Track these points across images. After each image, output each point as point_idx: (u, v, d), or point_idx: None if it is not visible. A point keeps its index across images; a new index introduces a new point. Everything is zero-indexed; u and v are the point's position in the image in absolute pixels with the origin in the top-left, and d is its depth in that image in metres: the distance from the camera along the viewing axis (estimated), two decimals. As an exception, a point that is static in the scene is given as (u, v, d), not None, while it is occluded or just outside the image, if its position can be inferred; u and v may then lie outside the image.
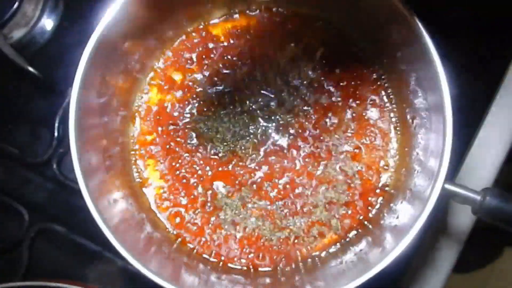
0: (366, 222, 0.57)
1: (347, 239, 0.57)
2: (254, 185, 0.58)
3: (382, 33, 0.55)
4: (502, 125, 0.64)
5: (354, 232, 0.57)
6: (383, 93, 0.59)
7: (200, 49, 0.62)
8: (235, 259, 0.57)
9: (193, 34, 0.62)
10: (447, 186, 0.45)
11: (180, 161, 0.60)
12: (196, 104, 0.61)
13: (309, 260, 0.57)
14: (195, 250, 0.58)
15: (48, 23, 0.72)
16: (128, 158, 0.60)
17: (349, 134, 0.59)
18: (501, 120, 0.63)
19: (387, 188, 0.58)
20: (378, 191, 0.58)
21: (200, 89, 0.61)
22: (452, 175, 0.53)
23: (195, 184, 0.59)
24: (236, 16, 0.62)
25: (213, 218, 0.58)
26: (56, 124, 0.69)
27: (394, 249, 0.45)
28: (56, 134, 0.69)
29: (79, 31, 0.72)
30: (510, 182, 0.68)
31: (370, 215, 0.57)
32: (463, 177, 0.63)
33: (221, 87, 0.61)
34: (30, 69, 0.67)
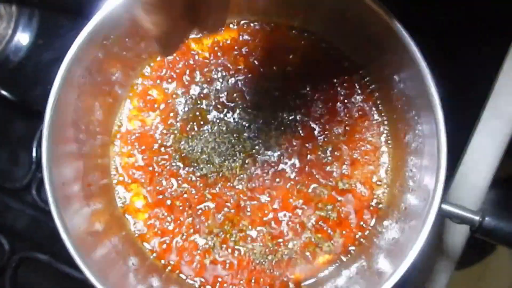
0: (360, 241, 0.55)
1: (342, 260, 0.55)
2: (243, 207, 0.56)
3: (368, 42, 0.53)
4: (493, 134, 0.62)
5: (348, 252, 0.55)
6: (372, 105, 0.57)
7: (181, 65, 0.59)
8: (225, 285, 0.55)
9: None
10: (444, 206, 0.43)
11: (164, 184, 0.57)
12: (179, 124, 0.58)
13: (304, 284, 0.54)
14: (185, 278, 0.55)
15: (22, 40, 0.69)
16: (109, 183, 0.57)
17: (339, 149, 0.56)
18: (492, 129, 0.61)
19: (380, 205, 0.55)
20: (372, 208, 0.55)
21: (182, 107, 0.58)
22: (446, 188, 0.51)
23: (181, 208, 0.56)
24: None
25: (201, 243, 0.56)
26: (34, 148, 0.66)
27: (393, 275, 0.43)
28: (34, 158, 0.66)
29: (55, 48, 0.69)
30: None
31: (365, 234, 0.55)
32: (456, 189, 0.61)
33: (204, 105, 0.58)
34: (3, 92, 0.64)
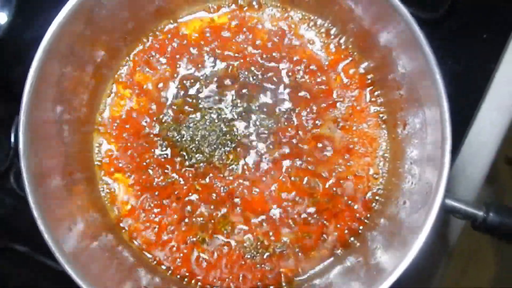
0: (356, 235, 0.53)
1: (336, 255, 0.53)
2: (234, 199, 0.53)
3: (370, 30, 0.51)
4: (491, 126, 0.60)
5: (343, 246, 0.53)
6: (369, 95, 0.55)
7: (170, 49, 0.55)
8: (215, 280, 0.52)
9: (162, 33, 0.56)
10: (448, 201, 0.41)
11: (151, 174, 0.54)
12: (167, 111, 0.55)
13: (296, 279, 0.52)
14: (169, 272, 0.53)
15: (1, 18, 0.65)
16: (93, 172, 0.54)
17: (335, 140, 0.54)
18: (490, 121, 0.60)
19: (377, 199, 0.53)
20: (368, 201, 0.53)
21: (170, 93, 0.55)
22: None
23: (169, 199, 0.54)
24: (207, 14, 0.56)
25: (189, 236, 0.53)
26: (13, 132, 0.63)
27: (392, 273, 0.41)
28: (13, 143, 0.62)
29: (36, 27, 0.65)
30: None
31: (360, 228, 0.53)
32: (452, 182, 0.59)
33: (194, 92, 0.55)
34: (-21, 72, 0.60)
